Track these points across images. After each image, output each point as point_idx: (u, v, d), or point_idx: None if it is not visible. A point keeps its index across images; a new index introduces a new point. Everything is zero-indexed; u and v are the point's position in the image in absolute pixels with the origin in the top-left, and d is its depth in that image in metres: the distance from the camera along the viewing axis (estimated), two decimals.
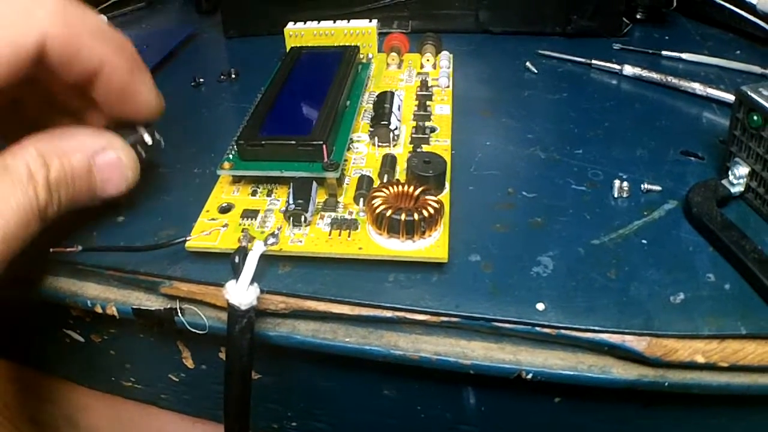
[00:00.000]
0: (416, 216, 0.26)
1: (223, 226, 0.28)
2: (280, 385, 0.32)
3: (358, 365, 0.28)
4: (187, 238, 0.28)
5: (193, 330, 0.29)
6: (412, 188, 0.27)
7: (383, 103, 0.33)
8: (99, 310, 0.30)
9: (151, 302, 0.29)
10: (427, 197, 0.27)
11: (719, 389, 0.25)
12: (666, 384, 0.25)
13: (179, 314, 0.29)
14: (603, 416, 0.29)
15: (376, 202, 0.26)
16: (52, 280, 0.31)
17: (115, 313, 0.30)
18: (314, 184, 0.28)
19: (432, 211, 0.26)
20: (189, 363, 0.33)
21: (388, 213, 0.26)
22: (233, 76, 0.43)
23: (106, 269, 0.29)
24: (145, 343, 0.33)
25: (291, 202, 0.28)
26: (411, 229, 0.26)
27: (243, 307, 0.25)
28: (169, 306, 0.29)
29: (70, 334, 0.34)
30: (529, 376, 0.26)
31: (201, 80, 0.43)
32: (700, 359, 0.25)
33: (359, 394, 0.31)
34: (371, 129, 0.33)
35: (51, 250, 0.27)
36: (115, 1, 0.56)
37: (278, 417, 0.33)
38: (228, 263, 0.27)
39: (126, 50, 0.29)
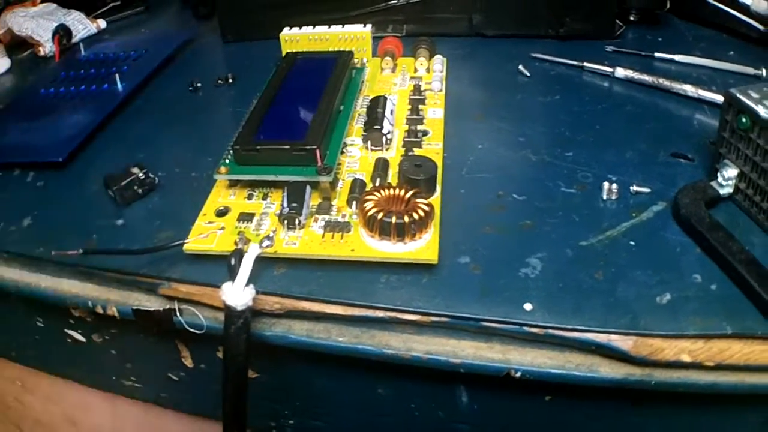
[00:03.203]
0: (407, 219, 0.26)
1: (220, 229, 0.29)
2: (278, 384, 0.32)
3: (353, 364, 0.29)
4: (185, 241, 0.29)
5: (191, 330, 0.29)
6: (403, 191, 0.28)
7: (376, 107, 0.34)
8: (100, 310, 0.31)
9: (151, 303, 0.30)
10: (418, 200, 0.28)
11: (706, 388, 0.26)
12: (653, 383, 0.26)
13: (177, 314, 0.29)
14: (593, 414, 0.30)
15: (368, 205, 0.27)
16: (55, 282, 0.32)
17: (116, 314, 0.31)
18: (308, 187, 0.29)
19: (422, 213, 0.27)
20: (188, 362, 0.33)
21: (380, 216, 0.27)
22: (230, 80, 0.44)
23: (107, 271, 0.30)
24: (145, 343, 0.33)
25: (285, 205, 0.28)
26: (402, 232, 0.27)
27: (239, 308, 0.26)
28: (167, 307, 0.30)
29: (71, 335, 0.35)
30: (518, 374, 0.26)
31: (198, 84, 0.44)
32: (686, 358, 0.25)
33: (355, 392, 0.32)
34: (364, 133, 0.33)
35: (53, 252, 0.28)
36: (114, 5, 0.56)
37: (276, 415, 0.34)
38: (225, 265, 0.28)
39: None
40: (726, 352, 0.25)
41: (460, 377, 0.28)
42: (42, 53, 0.50)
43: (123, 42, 0.51)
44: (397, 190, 0.28)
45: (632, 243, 0.29)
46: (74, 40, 0.51)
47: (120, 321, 0.31)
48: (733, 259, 0.27)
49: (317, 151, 0.29)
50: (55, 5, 0.53)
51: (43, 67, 0.50)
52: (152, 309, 0.30)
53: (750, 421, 0.29)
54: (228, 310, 0.26)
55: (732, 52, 0.44)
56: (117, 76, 0.43)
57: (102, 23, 0.54)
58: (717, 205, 0.31)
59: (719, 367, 0.25)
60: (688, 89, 0.39)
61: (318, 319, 0.28)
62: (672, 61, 0.43)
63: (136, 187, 0.33)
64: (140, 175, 0.33)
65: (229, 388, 0.27)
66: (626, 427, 0.30)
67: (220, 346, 0.31)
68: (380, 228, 0.27)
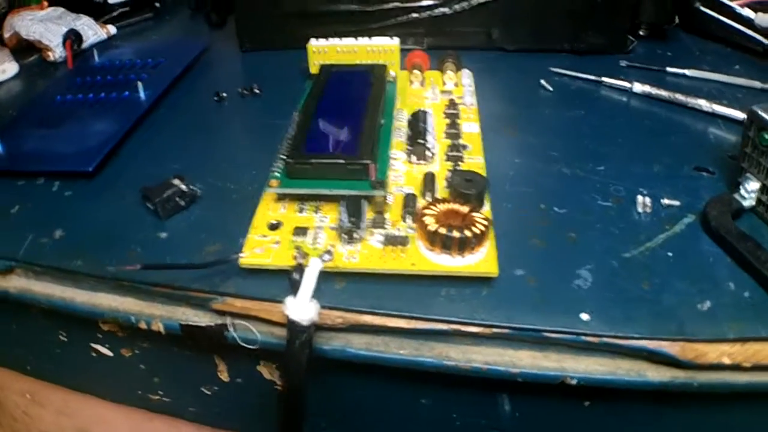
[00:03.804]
0: (468, 233, 0.27)
1: (275, 243, 0.29)
2: (316, 394, 0.33)
3: (396, 375, 0.29)
4: (241, 255, 0.29)
5: (244, 345, 0.29)
6: (459, 206, 0.29)
7: (418, 121, 0.34)
8: (143, 326, 0.30)
9: (199, 318, 0.30)
10: (474, 215, 0.28)
11: (742, 387, 0.27)
12: (695, 384, 0.27)
13: (231, 329, 0.29)
14: (630, 418, 0.31)
15: (428, 220, 0.28)
16: (91, 296, 0.31)
17: (161, 329, 0.30)
18: (364, 201, 0.29)
19: (482, 228, 0.28)
20: (224, 376, 0.33)
21: (442, 230, 0.27)
22: (256, 91, 0.44)
23: (153, 285, 0.30)
24: (179, 357, 0.33)
25: (345, 219, 0.29)
26: (463, 246, 0.27)
27: (304, 323, 0.26)
28: (219, 322, 0.30)
29: (97, 348, 0.35)
30: (574, 381, 0.27)
31: (224, 95, 0.44)
32: (726, 360, 0.27)
33: (397, 403, 0.32)
34: (409, 147, 0.34)
35: (113, 268, 0.27)
36: (122, 12, 0.56)
37: (313, 426, 0.34)
38: (280, 279, 0.28)
39: None
40: (761, 353, 0.27)
41: (507, 385, 0.29)
42: (51, 58, 0.49)
43: (136, 49, 0.50)
44: (454, 205, 0.29)
45: (669, 254, 0.30)
46: (84, 45, 0.51)
47: (154, 335, 0.30)
48: (763, 268, 0.29)
49: (371, 165, 0.30)
50: (63, 9, 0.52)
51: (53, 72, 0.49)
52: (203, 324, 0.30)
53: None
54: (291, 325, 0.26)
55: (737, 66, 0.46)
56: (140, 83, 0.42)
57: (112, 29, 0.53)
58: (740, 216, 0.33)
59: (755, 368, 0.27)
60: (703, 104, 0.41)
61: (376, 332, 0.28)
62: (683, 75, 0.45)
63: (178, 199, 0.33)
64: (182, 186, 0.33)
65: (288, 404, 0.27)
66: (662, 428, 0.31)
67: (263, 360, 0.31)
68: (442, 242, 0.27)
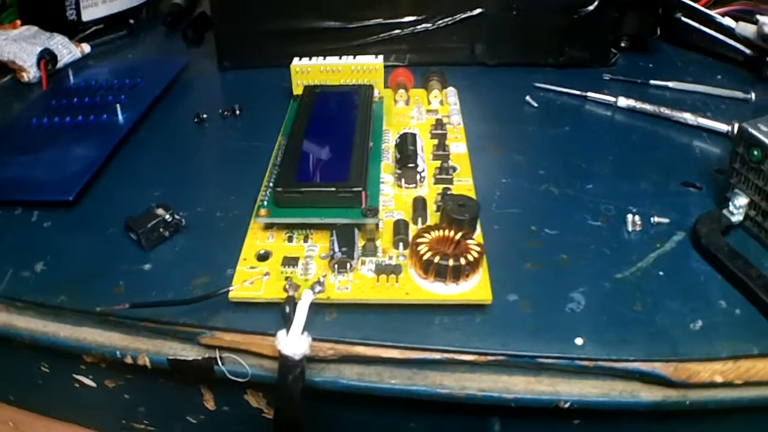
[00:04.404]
0: (463, 261, 0.27)
1: (265, 275, 0.29)
2: (307, 420, 0.32)
3: (386, 401, 0.29)
4: (230, 288, 0.28)
5: (234, 378, 0.29)
6: (452, 233, 0.28)
7: (407, 144, 0.34)
8: (129, 360, 0.30)
9: (187, 352, 0.29)
10: (468, 241, 0.28)
11: (732, 403, 0.27)
12: (687, 403, 0.27)
13: (219, 363, 0.29)
14: None
15: (422, 248, 0.27)
16: (75, 331, 0.30)
17: (148, 364, 0.30)
18: (356, 230, 0.29)
19: (476, 255, 0.27)
20: (210, 405, 0.33)
21: (436, 259, 0.27)
22: (237, 112, 0.43)
23: (140, 321, 0.29)
24: (164, 387, 0.32)
25: (336, 249, 0.28)
26: (457, 274, 0.27)
27: (296, 357, 0.25)
28: (207, 355, 0.29)
29: (80, 380, 0.34)
30: (567, 405, 0.27)
31: (204, 116, 0.43)
32: (718, 379, 0.27)
33: (386, 428, 0.32)
34: (398, 171, 0.33)
35: (98, 309, 0.27)
36: (97, 29, 0.54)
37: None
38: (270, 311, 0.28)
39: None
40: (752, 370, 0.27)
41: (498, 409, 0.29)
42: (26, 79, 0.48)
43: (112, 68, 0.49)
44: (447, 232, 0.28)
45: (661, 273, 0.30)
46: (59, 65, 0.49)
47: (139, 368, 0.30)
48: (754, 284, 0.29)
49: (363, 193, 0.29)
50: (36, 28, 0.51)
51: (28, 94, 0.47)
52: (191, 359, 0.29)
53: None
54: (284, 360, 0.25)
55: (719, 76, 0.47)
56: (118, 106, 0.41)
57: (86, 48, 0.52)
58: (729, 232, 0.33)
59: (745, 384, 0.27)
60: (688, 117, 0.41)
61: (368, 362, 0.28)
62: (666, 87, 0.45)
63: (162, 230, 0.32)
64: (167, 216, 0.32)
65: None
66: None
67: (250, 389, 0.30)
68: (437, 271, 0.27)
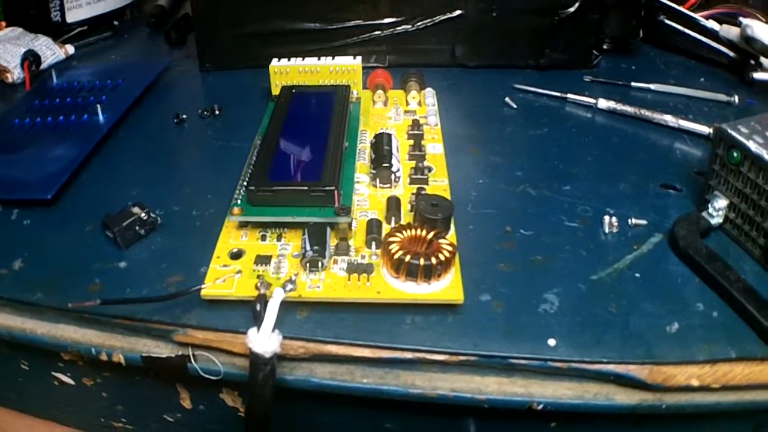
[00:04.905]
0: (434, 260, 0.27)
1: (237, 273, 0.29)
2: (282, 420, 0.32)
3: (360, 401, 0.29)
4: (202, 287, 0.28)
5: (207, 376, 0.29)
6: (424, 232, 0.28)
7: (383, 144, 0.34)
8: (104, 357, 0.30)
9: (161, 349, 0.29)
10: (440, 240, 0.28)
11: (710, 408, 0.27)
12: (663, 406, 0.27)
13: (192, 361, 0.29)
14: None
15: (394, 247, 0.27)
16: (52, 328, 0.30)
17: (122, 361, 0.29)
18: (328, 229, 0.29)
19: (448, 254, 0.27)
20: (186, 404, 0.33)
21: (407, 258, 0.27)
22: (216, 112, 0.43)
23: (114, 318, 0.29)
24: (141, 386, 0.32)
25: (308, 248, 0.28)
26: (428, 273, 0.27)
27: (267, 355, 0.25)
28: (180, 353, 0.29)
29: (59, 377, 0.34)
30: (540, 407, 0.27)
31: (184, 116, 0.43)
32: (695, 383, 0.27)
33: (361, 428, 0.32)
34: (373, 171, 0.33)
35: (69, 305, 0.26)
36: (81, 31, 0.54)
37: None
38: (242, 309, 0.27)
39: None
40: (729, 374, 0.27)
41: (473, 410, 0.29)
42: (10, 80, 0.48)
43: (95, 69, 0.49)
44: (419, 231, 0.28)
45: (637, 275, 0.30)
46: (43, 66, 0.49)
47: (115, 365, 0.29)
48: (732, 287, 0.29)
49: (336, 192, 0.29)
50: (21, 29, 0.51)
51: (11, 95, 0.47)
52: (164, 356, 0.29)
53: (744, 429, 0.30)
54: (254, 358, 0.25)
55: (702, 79, 0.47)
56: (99, 106, 0.41)
57: (70, 49, 0.52)
58: (708, 234, 0.33)
59: (723, 388, 0.27)
60: (669, 119, 0.41)
61: (340, 361, 0.28)
62: (648, 90, 0.45)
63: (138, 228, 0.32)
64: (142, 215, 0.32)
65: None
66: None
67: (225, 388, 0.30)
68: (408, 270, 0.27)
